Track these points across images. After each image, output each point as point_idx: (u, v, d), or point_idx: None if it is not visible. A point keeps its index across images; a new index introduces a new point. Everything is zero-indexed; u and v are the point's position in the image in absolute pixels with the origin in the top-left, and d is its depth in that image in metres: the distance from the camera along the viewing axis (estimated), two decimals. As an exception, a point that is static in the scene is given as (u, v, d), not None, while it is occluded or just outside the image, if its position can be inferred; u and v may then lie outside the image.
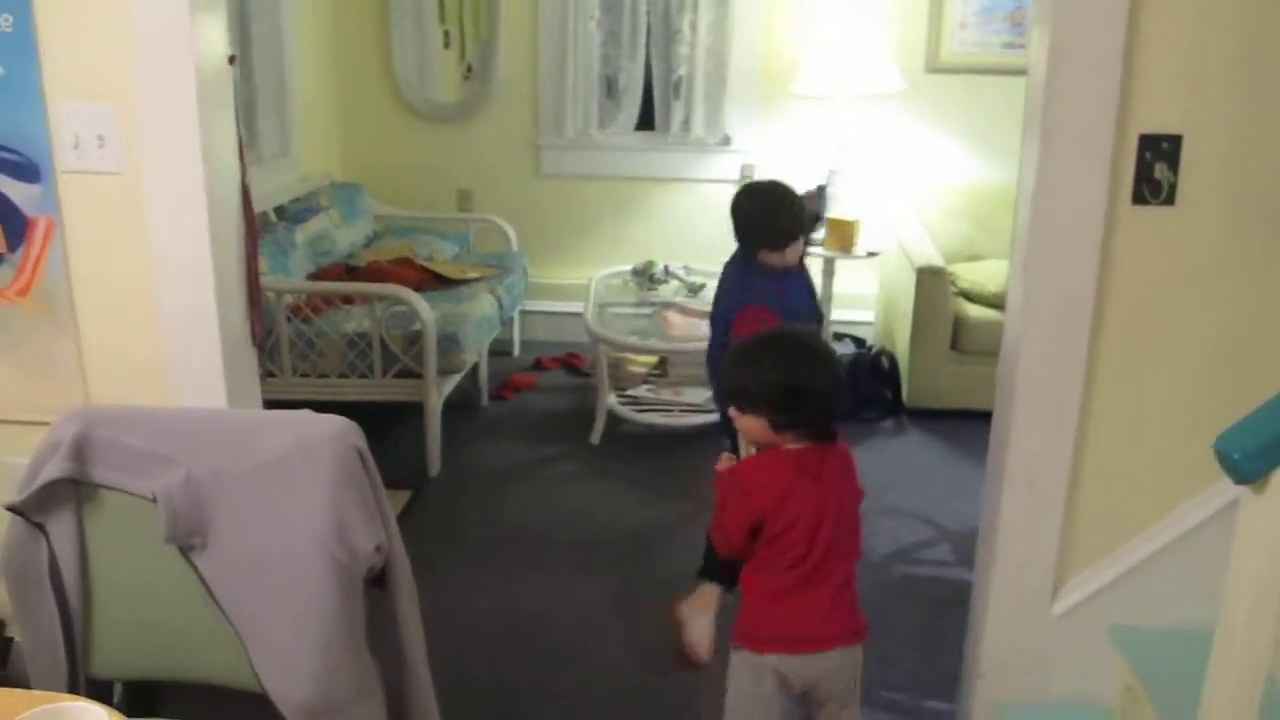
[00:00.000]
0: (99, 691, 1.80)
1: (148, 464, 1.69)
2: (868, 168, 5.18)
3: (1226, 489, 2.11)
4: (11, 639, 2.50)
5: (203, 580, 1.68)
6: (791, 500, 2.01)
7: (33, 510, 1.69)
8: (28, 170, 2.20)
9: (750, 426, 2.08)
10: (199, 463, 1.69)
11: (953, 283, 4.60)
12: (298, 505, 1.65)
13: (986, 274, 4.64)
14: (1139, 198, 2.06)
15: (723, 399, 2.30)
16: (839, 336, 5.10)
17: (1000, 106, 4.90)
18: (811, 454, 2.05)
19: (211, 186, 2.17)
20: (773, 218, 3.00)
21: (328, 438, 1.67)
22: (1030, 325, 2.14)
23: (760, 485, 2.05)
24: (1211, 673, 1.47)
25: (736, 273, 3.05)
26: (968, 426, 3.90)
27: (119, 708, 1.86)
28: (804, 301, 3.05)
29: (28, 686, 1.80)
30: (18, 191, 2.22)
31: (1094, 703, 2.31)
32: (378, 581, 1.76)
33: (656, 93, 5.63)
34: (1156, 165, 2.04)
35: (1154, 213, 2.07)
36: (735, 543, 2.09)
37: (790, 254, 2.97)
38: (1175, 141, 2.03)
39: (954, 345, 4.54)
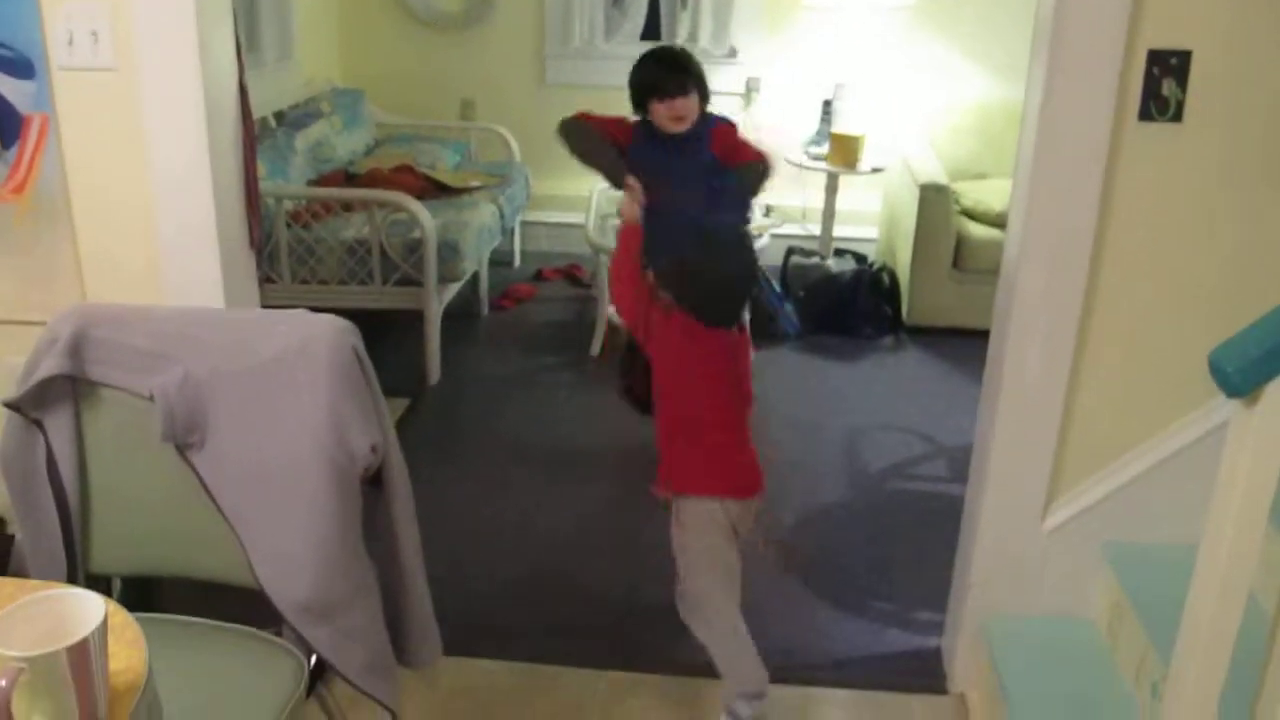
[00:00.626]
0: (97, 587, 1.81)
1: (145, 362, 1.70)
2: (875, 83, 5.11)
3: (1220, 408, 2.12)
4: (12, 536, 2.53)
5: (200, 479, 1.69)
6: None
7: (29, 406, 1.70)
8: (21, 66, 2.17)
9: None
10: (196, 361, 1.69)
11: (956, 201, 4.57)
12: (294, 404, 1.66)
13: (991, 193, 4.60)
14: (1146, 114, 2.03)
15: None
16: (840, 253, 5.08)
17: (1011, 22, 4.82)
18: None
19: (208, 86, 2.14)
20: (646, 60, 2.99)
21: (325, 337, 1.67)
22: (1032, 242, 2.13)
23: None
24: (1195, 587, 1.49)
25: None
26: (967, 345, 3.90)
27: (118, 603, 1.89)
28: (688, 188, 2.84)
29: (29, 581, 1.82)
30: (11, 88, 2.19)
31: (1081, 617, 2.34)
32: (374, 482, 1.77)
33: (663, 2, 5.54)
34: (1165, 81, 2.01)
35: (1161, 130, 2.04)
36: None
37: (673, 109, 2.86)
38: (1184, 57, 1.99)
39: (955, 263, 4.53)
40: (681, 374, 2.33)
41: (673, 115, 2.91)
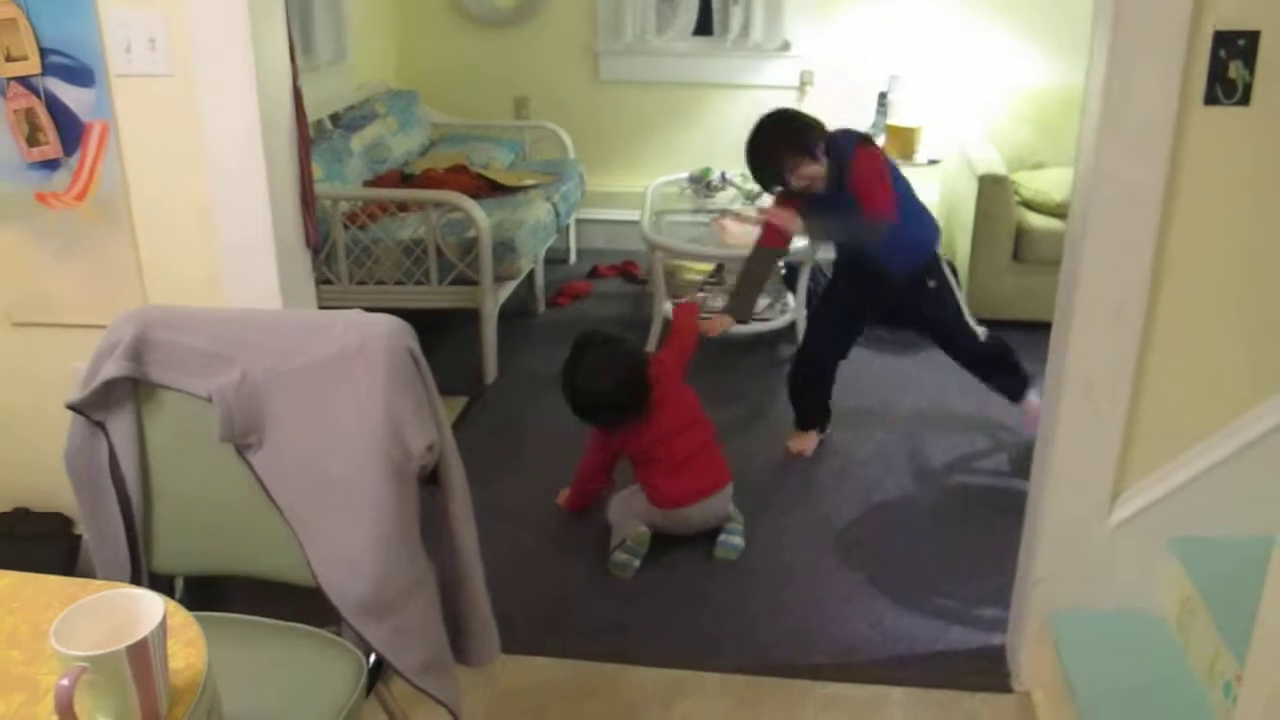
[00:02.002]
0: (160, 587, 1.84)
1: (203, 363, 1.71)
2: (930, 73, 5.05)
3: (1292, 399, 2.07)
4: (79, 536, 2.58)
5: (258, 478, 1.71)
6: None
7: (92, 409, 1.72)
8: (81, 74, 2.20)
9: None
10: (253, 362, 1.70)
11: (1016, 191, 4.50)
12: (351, 403, 1.66)
13: (1051, 182, 4.52)
14: (1212, 98, 1.98)
15: None
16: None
17: (1067, 6, 4.74)
18: None
19: (262, 89, 2.16)
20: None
21: (380, 337, 1.68)
22: (1094, 230, 2.08)
23: None
24: (1270, 582, 1.44)
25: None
26: (1029, 337, 3.82)
27: (180, 603, 1.91)
28: (833, 218, 3.31)
29: (95, 581, 1.85)
30: (72, 96, 2.22)
31: (1150, 614, 2.29)
32: (431, 481, 1.78)
33: (715, -4, 5.52)
34: (1231, 64, 1.95)
35: (1227, 113, 1.98)
36: None
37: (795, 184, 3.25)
38: (1252, 38, 1.93)
39: (1015, 255, 4.45)
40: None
41: (798, 180, 3.25)
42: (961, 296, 3.52)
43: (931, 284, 3.44)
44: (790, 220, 3.32)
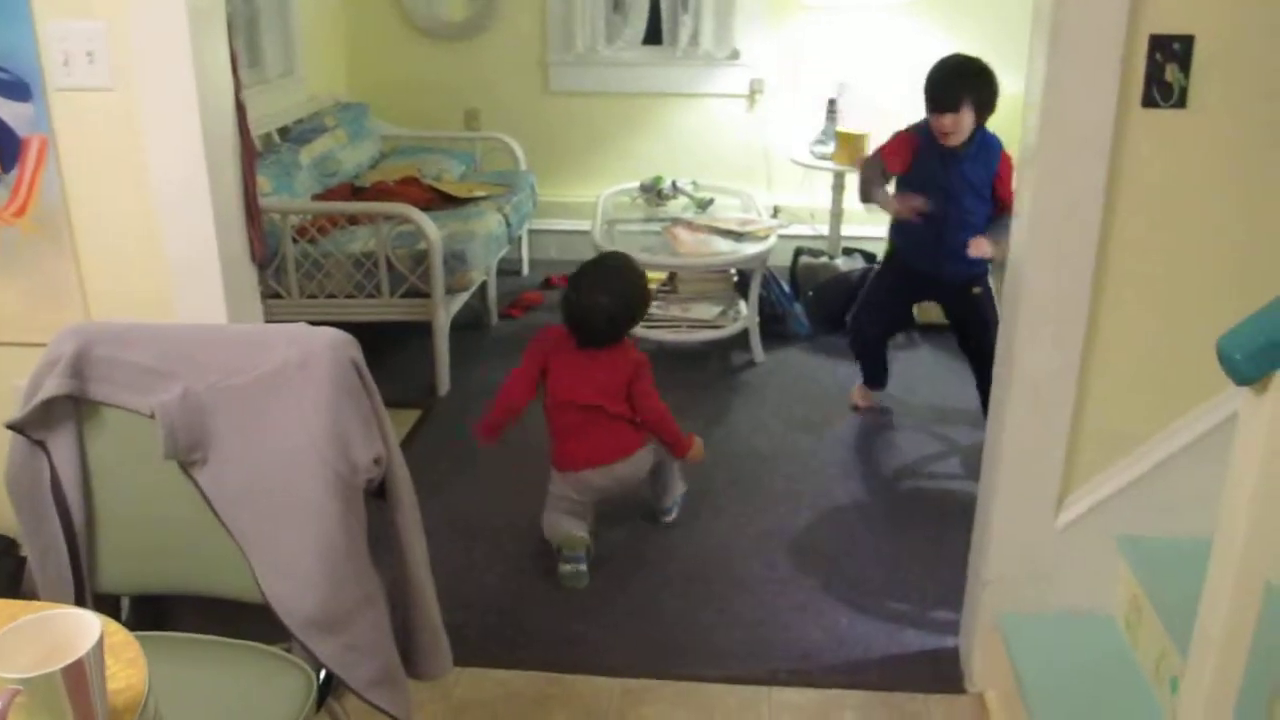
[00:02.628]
0: (106, 606, 1.82)
1: (146, 380, 1.69)
2: (879, 80, 5.09)
3: (1232, 399, 2.09)
4: (25, 558, 2.53)
5: (204, 495, 1.69)
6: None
7: (32, 427, 1.70)
8: (18, 88, 2.17)
9: None
10: (196, 378, 1.69)
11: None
12: (296, 418, 1.65)
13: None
14: (1149, 101, 2.01)
15: None
16: (849, 251, 5.06)
17: (1011, 14, 4.78)
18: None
19: (204, 103, 2.13)
20: (932, 69, 3.51)
21: (324, 350, 1.66)
22: (1037, 233, 2.11)
23: None
24: (1210, 579, 1.46)
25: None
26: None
27: (127, 622, 1.88)
28: (959, 182, 3.50)
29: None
30: (9, 110, 2.19)
31: (1098, 613, 2.32)
32: (379, 494, 1.76)
33: (664, 6, 5.54)
34: (1168, 67, 1.98)
35: (1164, 116, 2.02)
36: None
37: (940, 124, 3.44)
38: (1187, 42, 1.97)
39: (964, 259, 4.49)
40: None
41: (940, 129, 3.44)
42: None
43: (977, 290, 3.63)
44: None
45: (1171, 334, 2.15)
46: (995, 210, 3.52)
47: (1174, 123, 2.02)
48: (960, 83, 3.44)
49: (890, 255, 3.93)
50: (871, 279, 4.17)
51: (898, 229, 3.82)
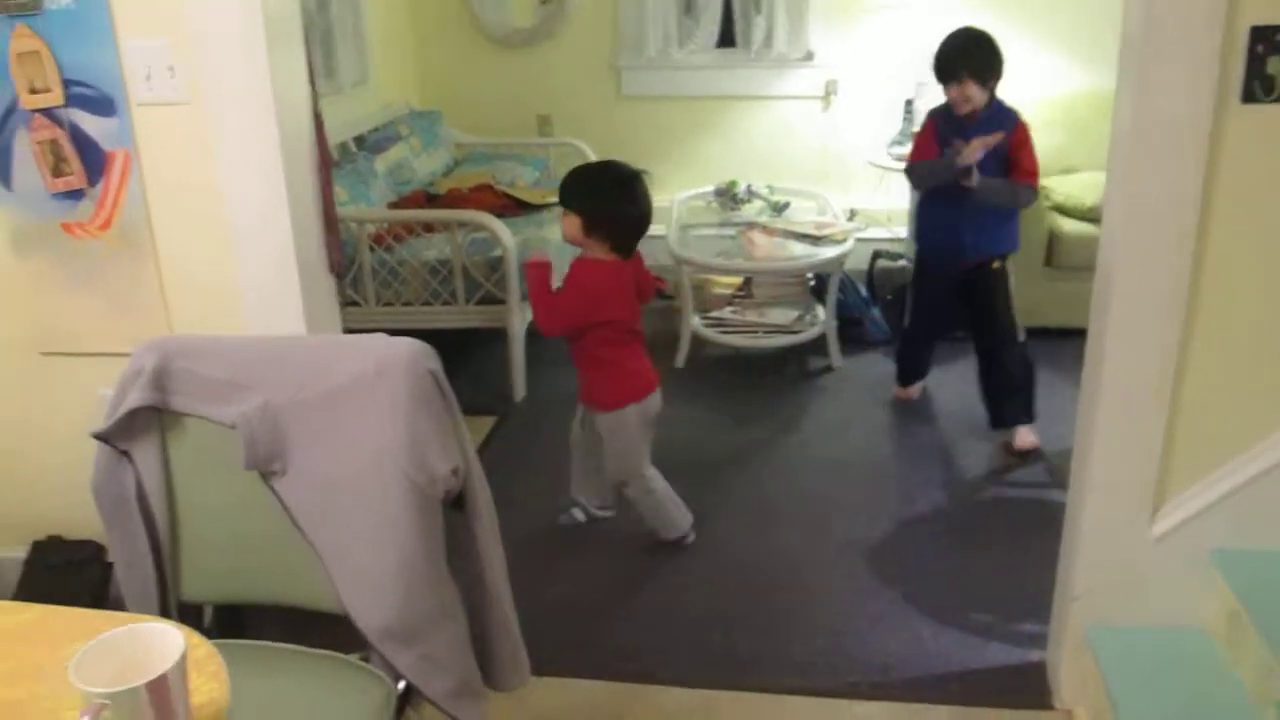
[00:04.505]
0: (190, 614, 1.84)
1: (226, 392, 1.70)
2: (957, 80, 5.01)
3: (1339, 404, 2.01)
4: (111, 564, 2.58)
5: (284, 505, 1.69)
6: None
7: (117, 438, 1.72)
8: (103, 104, 2.21)
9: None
10: (276, 390, 1.69)
11: (1047, 196, 4.44)
12: (374, 428, 1.64)
13: (1082, 186, 4.47)
14: (1249, 95, 1.93)
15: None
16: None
17: (1094, 8, 4.69)
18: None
19: (281, 115, 2.15)
20: (942, 41, 3.55)
21: (401, 360, 1.66)
22: (1130, 235, 2.04)
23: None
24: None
25: None
26: (1063, 344, 3.77)
27: (209, 630, 1.90)
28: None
29: (126, 610, 1.84)
30: (94, 125, 2.23)
31: (1193, 628, 2.24)
32: (457, 504, 1.75)
33: (736, 8, 5.51)
34: (1270, 59, 1.90)
35: (1266, 111, 1.93)
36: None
37: (950, 93, 3.50)
38: (1290, 33, 1.89)
39: (1048, 261, 4.41)
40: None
41: (950, 100, 3.52)
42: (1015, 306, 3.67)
43: (996, 265, 3.62)
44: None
45: (1272, 339, 2.06)
46: (1014, 177, 3.53)
47: (1276, 118, 1.93)
48: (959, 54, 3.50)
49: (917, 257, 3.92)
50: (910, 288, 4.14)
51: (920, 217, 3.84)
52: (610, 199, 2.92)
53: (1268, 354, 2.08)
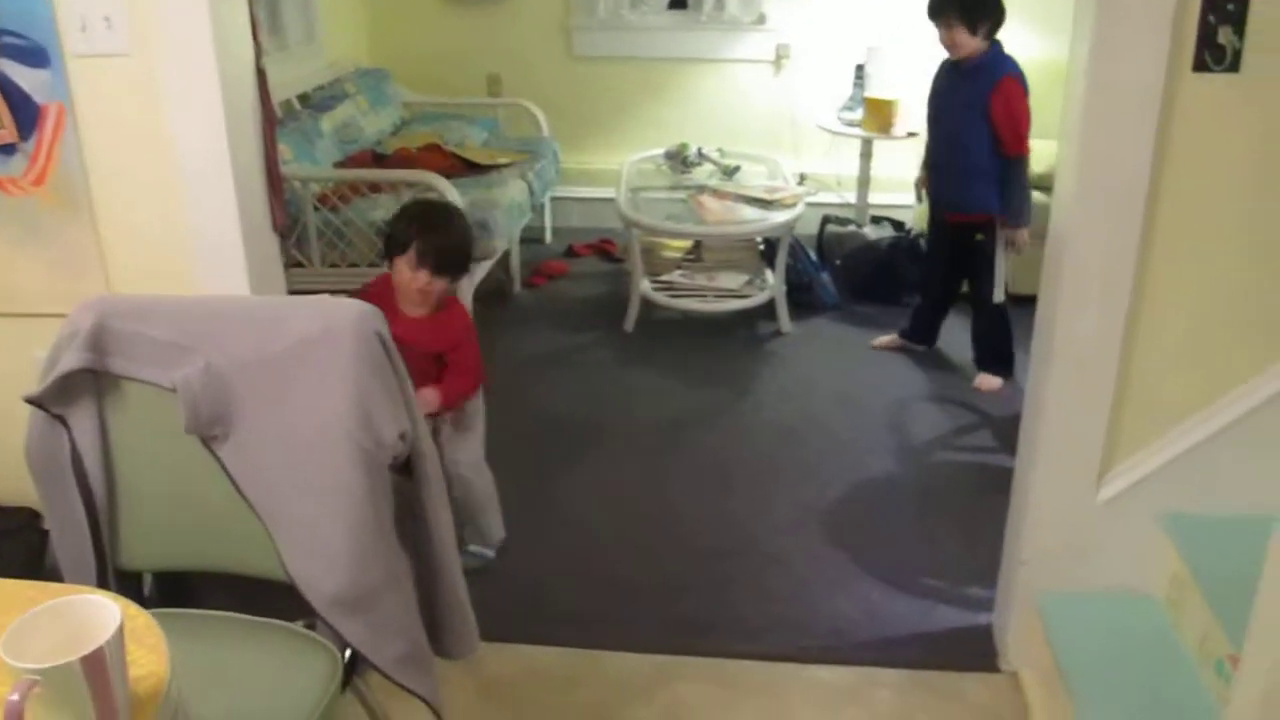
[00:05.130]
0: (128, 583, 1.79)
1: (166, 354, 1.65)
2: (909, 45, 4.99)
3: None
4: (47, 532, 2.52)
5: (226, 471, 1.65)
6: None
7: (52, 402, 1.66)
8: (36, 55, 2.12)
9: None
10: (218, 351, 1.64)
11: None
12: (319, 392, 1.60)
13: (1035, 155, 4.43)
14: (1200, 64, 1.93)
15: None
16: (877, 220, 4.98)
17: (1049, -23, 4.68)
18: None
19: (224, 69, 2.08)
20: None
21: (348, 323, 1.62)
22: (1082, 202, 2.04)
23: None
24: (1270, 564, 1.41)
25: None
26: (1015, 313, 3.81)
27: (149, 599, 1.86)
28: (950, 99, 3.69)
29: (61, 578, 1.79)
30: (27, 78, 2.14)
31: (1139, 592, 2.26)
32: (404, 470, 1.72)
33: (690, -31, 5.45)
34: (1221, 29, 1.90)
35: (1216, 80, 1.94)
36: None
37: (940, 37, 3.61)
38: (1242, 3, 1.88)
39: (998, 228, 4.41)
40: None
41: (941, 41, 3.60)
42: (1001, 267, 3.76)
43: (980, 237, 3.76)
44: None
45: (1220, 307, 2.08)
46: (1001, 148, 3.60)
47: (1226, 87, 1.94)
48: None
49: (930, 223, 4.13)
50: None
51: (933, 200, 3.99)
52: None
53: (1215, 321, 2.09)
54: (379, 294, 2.52)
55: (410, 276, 2.53)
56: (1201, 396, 2.15)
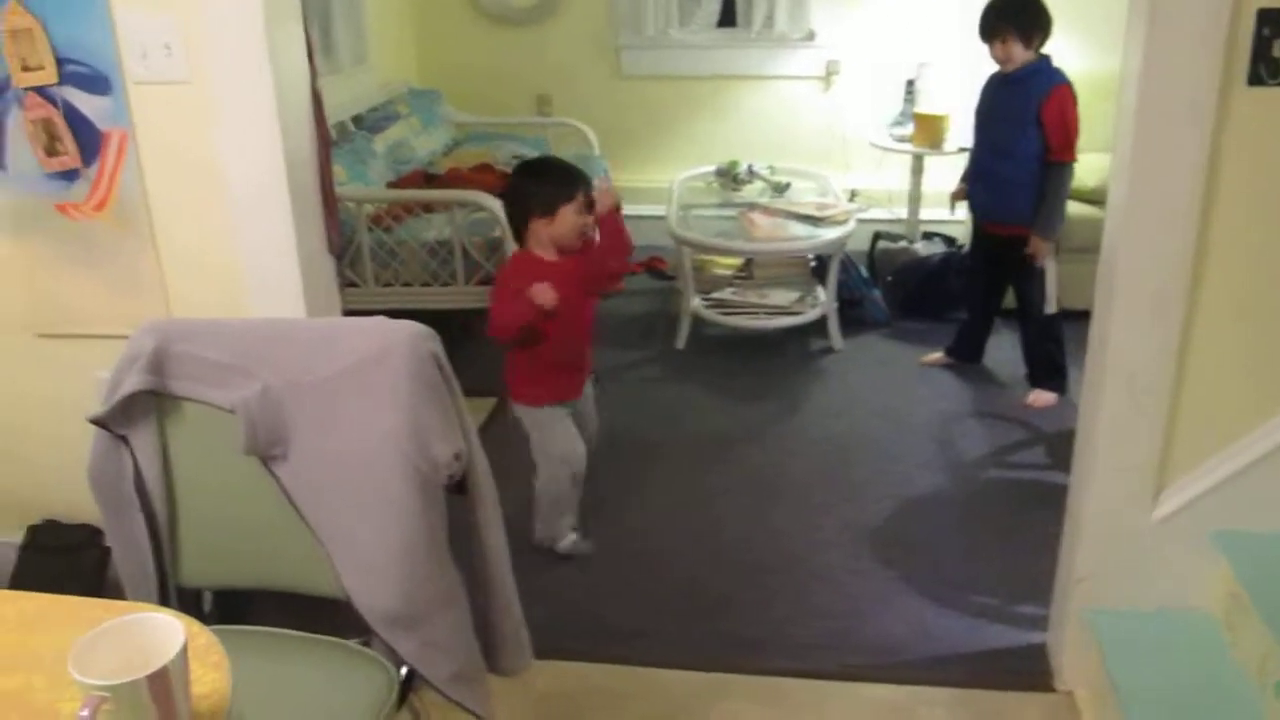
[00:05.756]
0: (188, 600, 1.83)
1: (225, 376, 1.69)
2: (959, 60, 4.98)
3: (1345, 388, 2.00)
4: (109, 549, 2.57)
5: (284, 490, 1.68)
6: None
7: (115, 422, 1.70)
8: (98, 82, 2.18)
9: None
10: (275, 373, 1.68)
11: (1050, 178, 4.41)
12: (375, 412, 1.63)
13: (1085, 168, 4.40)
14: (1255, 78, 1.91)
15: None
16: (928, 235, 4.96)
17: (1101, -11, 4.65)
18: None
19: (280, 93, 2.13)
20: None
21: (403, 344, 1.64)
22: (1134, 218, 2.02)
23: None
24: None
25: None
26: (1066, 327, 3.78)
27: (209, 616, 1.89)
28: (998, 108, 3.71)
29: (123, 595, 1.83)
30: (89, 104, 2.20)
31: (1195, 611, 2.23)
32: (459, 489, 1.74)
33: (737, -14, 5.47)
34: (1276, 42, 1.88)
35: (1272, 94, 1.92)
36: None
37: (993, 52, 3.64)
38: (1297, 16, 1.87)
39: (1051, 242, 4.38)
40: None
41: (993, 58, 3.65)
42: (1053, 278, 3.74)
43: (1027, 252, 3.69)
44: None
45: (1275, 322, 2.05)
46: (1046, 153, 3.60)
47: (1281, 101, 1.92)
48: (998, 14, 3.61)
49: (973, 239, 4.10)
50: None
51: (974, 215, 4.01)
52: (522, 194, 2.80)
53: (1269, 337, 2.07)
54: (522, 270, 2.74)
55: (576, 220, 2.76)
56: (1257, 413, 2.12)
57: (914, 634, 2.63)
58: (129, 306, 2.33)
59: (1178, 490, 2.20)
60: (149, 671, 1.01)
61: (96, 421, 1.71)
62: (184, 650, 1.05)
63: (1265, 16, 1.86)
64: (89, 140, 2.22)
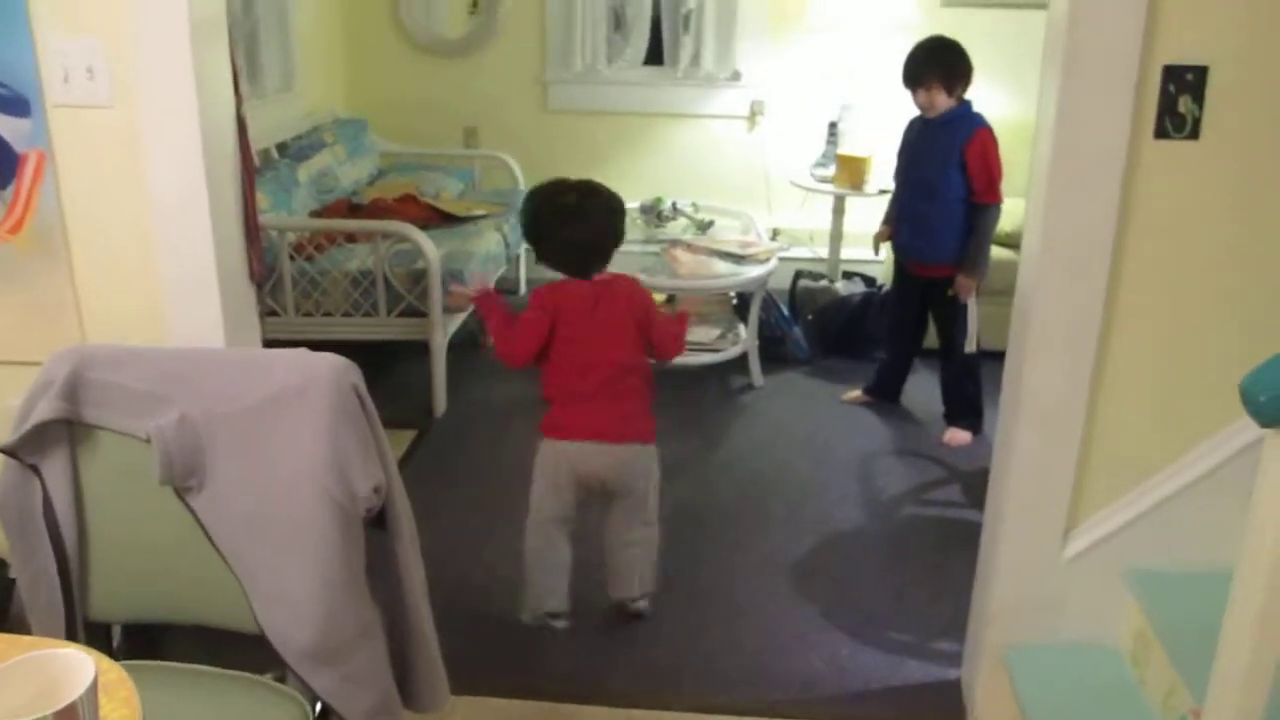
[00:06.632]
0: (98, 634, 1.78)
1: (141, 404, 1.66)
2: (881, 103, 5.08)
3: (1244, 430, 2.07)
4: (13, 581, 2.49)
5: (199, 522, 1.65)
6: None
7: (25, 451, 1.66)
8: (16, 104, 2.14)
9: None
10: (193, 403, 1.65)
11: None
12: (294, 445, 1.62)
13: (1003, 213, 4.54)
14: (1161, 132, 1.99)
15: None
16: (849, 275, 5.03)
17: (1017, 41, 4.79)
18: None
19: (205, 119, 2.10)
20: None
21: (324, 376, 1.63)
22: (1048, 262, 2.08)
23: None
24: (1229, 621, 1.43)
25: None
26: (984, 368, 3.86)
27: (119, 651, 1.85)
28: (923, 151, 3.80)
29: (28, 628, 1.78)
30: (7, 126, 2.15)
31: (1105, 646, 2.28)
32: (378, 523, 1.73)
33: (665, 26, 5.53)
34: (1181, 98, 1.96)
35: (1177, 147, 2.00)
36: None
37: (917, 99, 3.74)
38: (1201, 73, 1.95)
39: (967, 284, 4.47)
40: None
41: (916, 105, 3.76)
42: (974, 318, 3.83)
43: (951, 291, 3.80)
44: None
45: (1183, 365, 2.12)
46: (971, 195, 3.69)
47: (1186, 154, 2.00)
48: (924, 62, 3.73)
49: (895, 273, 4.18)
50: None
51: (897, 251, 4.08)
52: (547, 228, 2.78)
53: (1180, 377, 2.14)
54: (543, 291, 2.75)
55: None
56: (1167, 453, 2.19)
57: (832, 669, 2.66)
58: (42, 332, 2.27)
59: (1089, 528, 2.25)
60: (57, 708, 0.98)
61: (5, 451, 1.66)
62: (94, 686, 1.03)
63: (1171, 73, 1.94)
64: (5, 162, 2.17)
